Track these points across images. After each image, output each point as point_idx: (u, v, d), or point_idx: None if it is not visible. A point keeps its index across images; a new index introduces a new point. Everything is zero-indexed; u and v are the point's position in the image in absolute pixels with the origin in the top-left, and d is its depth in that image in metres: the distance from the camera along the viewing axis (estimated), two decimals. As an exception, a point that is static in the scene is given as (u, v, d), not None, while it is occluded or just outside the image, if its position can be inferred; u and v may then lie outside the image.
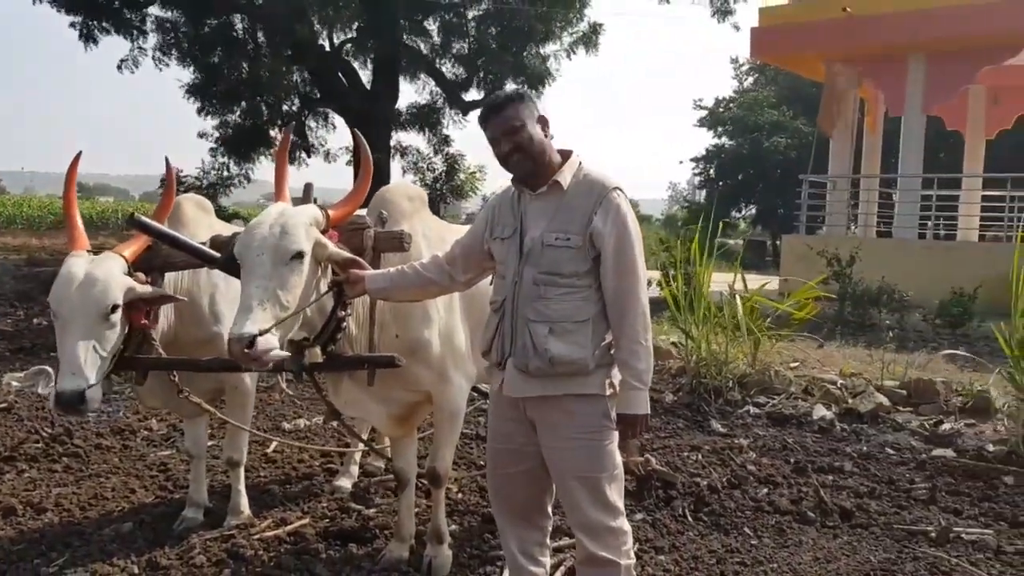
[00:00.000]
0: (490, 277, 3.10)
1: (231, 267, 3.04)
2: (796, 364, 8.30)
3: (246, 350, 2.67)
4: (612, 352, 2.80)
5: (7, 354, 8.19)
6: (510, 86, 18.88)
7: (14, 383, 6.78)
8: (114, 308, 3.26)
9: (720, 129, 36.24)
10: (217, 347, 3.78)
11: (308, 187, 3.45)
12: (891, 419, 6.66)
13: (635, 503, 4.62)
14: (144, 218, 3.41)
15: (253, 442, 5.04)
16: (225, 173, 20.23)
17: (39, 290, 12.64)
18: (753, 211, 37.98)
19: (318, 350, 3.17)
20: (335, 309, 3.14)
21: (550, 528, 3.10)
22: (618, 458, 2.85)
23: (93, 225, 42.01)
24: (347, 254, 3.10)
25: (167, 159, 3.88)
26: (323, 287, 3.05)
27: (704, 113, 36.82)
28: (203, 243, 3.45)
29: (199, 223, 4.00)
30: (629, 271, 2.75)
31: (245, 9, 18.14)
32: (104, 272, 3.29)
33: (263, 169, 20.89)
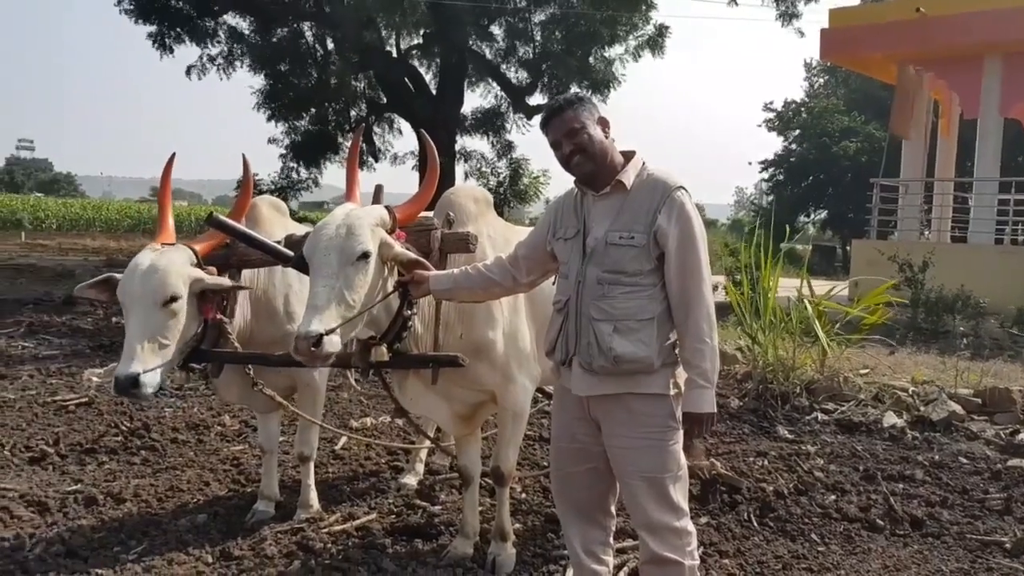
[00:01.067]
0: (554, 278, 3.13)
1: (304, 266, 3.12)
2: (866, 371, 8.13)
3: (312, 348, 2.76)
4: (677, 351, 2.80)
5: (87, 351, 8.49)
6: (574, 90, 18.91)
7: (94, 379, 7.04)
8: (173, 298, 3.34)
9: (789, 134, 35.74)
10: (291, 345, 3.88)
11: (378, 188, 3.52)
12: (965, 428, 6.49)
13: (699, 507, 4.59)
14: (222, 217, 3.53)
15: (322, 439, 5.14)
16: (295, 177, 20.68)
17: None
18: (823, 216, 37.37)
19: (384, 348, 3.25)
20: (401, 308, 3.20)
21: (613, 527, 3.11)
22: (683, 458, 2.85)
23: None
24: (412, 255, 3.15)
25: (244, 157, 3.98)
26: (389, 287, 3.12)
27: (772, 116, 36.35)
28: (278, 242, 3.55)
29: (274, 223, 4.11)
30: (693, 270, 2.75)
31: (314, 17, 18.50)
32: (166, 263, 3.39)
33: (331, 174, 21.30)
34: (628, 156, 2.89)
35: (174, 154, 3.97)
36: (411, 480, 4.89)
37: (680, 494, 2.83)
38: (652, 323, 2.75)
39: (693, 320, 2.73)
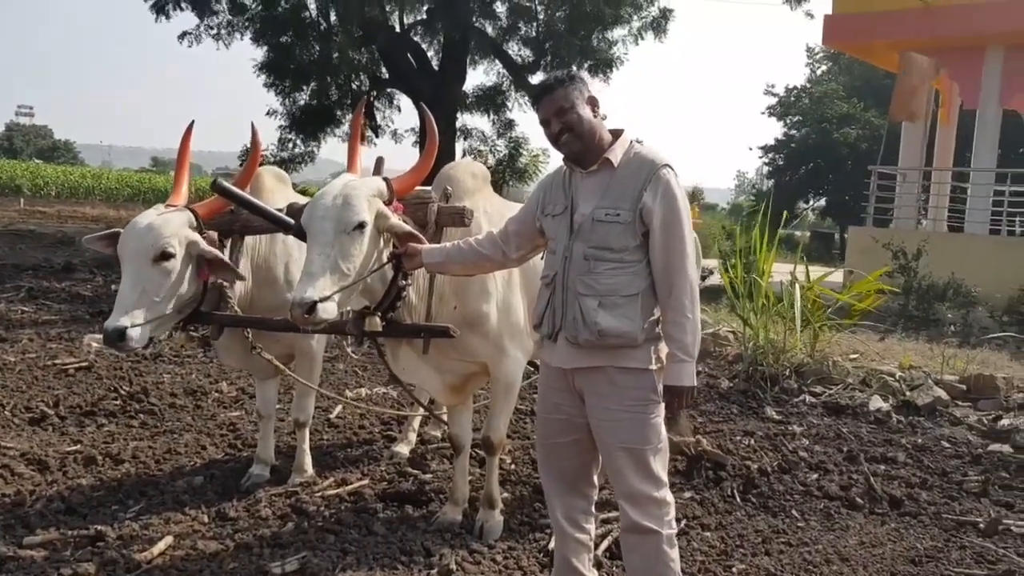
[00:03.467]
0: (542, 253, 3.21)
1: (304, 234, 3.21)
2: (856, 356, 8.25)
3: (306, 315, 2.86)
4: (659, 328, 2.88)
5: (87, 317, 8.59)
6: (575, 71, 18.90)
7: (94, 344, 7.13)
8: (165, 255, 3.43)
9: (789, 120, 35.70)
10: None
11: (379, 161, 3.61)
12: (949, 413, 6.61)
13: (684, 481, 4.71)
14: (226, 184, 3.61)
15: (317, 407, 5.25)
16: (293, 150, 20.65)
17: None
18: (822, 203, 37.41)
19: (377, 318, 3.35)
20: (395, 279, 3.30)
21: (595, 497, 3.18)
22: (663, 431, 2.92)
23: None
24: (407, 227, 3.24)
25: (253, 126, 4.05)
26: (384, 257, 3.21)
27: (774, 100, 36.31)
28: (280, 210, 3.63)
29: (276, 193, 4.19)
30: (677, 246, 2.81)
31: (318, -12, 18.43)
32: (163, 222, 3.48)
33: (329, 148, 21.27)
34: (616, 134, 2.95)
35: (193, 122, 4.08)
36: (403, 449, 5.00)
37: (660, 465, 2.90)
38: (637, 299, 2.82)
39: (676, 295, 2.80)
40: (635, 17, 19.02)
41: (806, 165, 34.44)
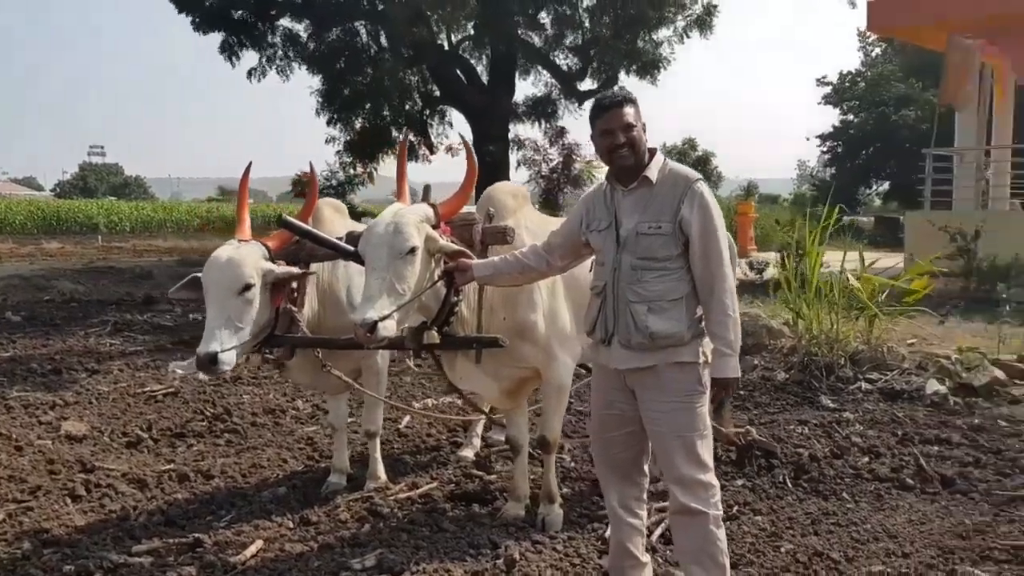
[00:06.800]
0: (588, 263, 3.50)
1: (360, 259, 3.55)
2: (913, 341, 8.29)
3: (368, 333, 3.20)
4: (702, 325, 3.15)
5: (169, 346, 9.10)
6: (624, 75, 19.07)
7: (178, 371, 7.62)
8: (247, 286, 3.80)
9: (846, 106, 35.24)
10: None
11: (427, 188, 3.93)
12: (1007, 392, 6.65)
13: (736, 471, 4.92)
14: (290, 219, 3.99)
15: (386, 419, 5.59)
16: (352, 172, 21.26)
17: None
18: (885, 187, 36.79)
19: (435, 332, 3.67)
20: (448, 295, 3.63)
21: (647, 485, 3.45)
22: (708, 420, 3.19)
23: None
24: (455, 246, 3.57)
25: (311, 164, 4.43)
26: (436, 276, 3.53)
27: (828, 90, 35.86)
28: (340, 239, 3.98)
29: (335, 222, 4.56)
30: (714, 252, 3.10)
31: (367, 15, 18.96)
32: (241, 256, 3.86)
33: (388, 167, 21.81)
34: (651, 153, 3.24)
35: (251, 163, 4.55)
36: (468, 453, 5.32)
37: (706, 451, 3.17)
38: (682, 302, 3.11)
39: (717, 297, 3.09)
40: (679, 16, 19.08)
41: (866, 150, 33.99)
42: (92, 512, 4.44)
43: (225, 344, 3.69)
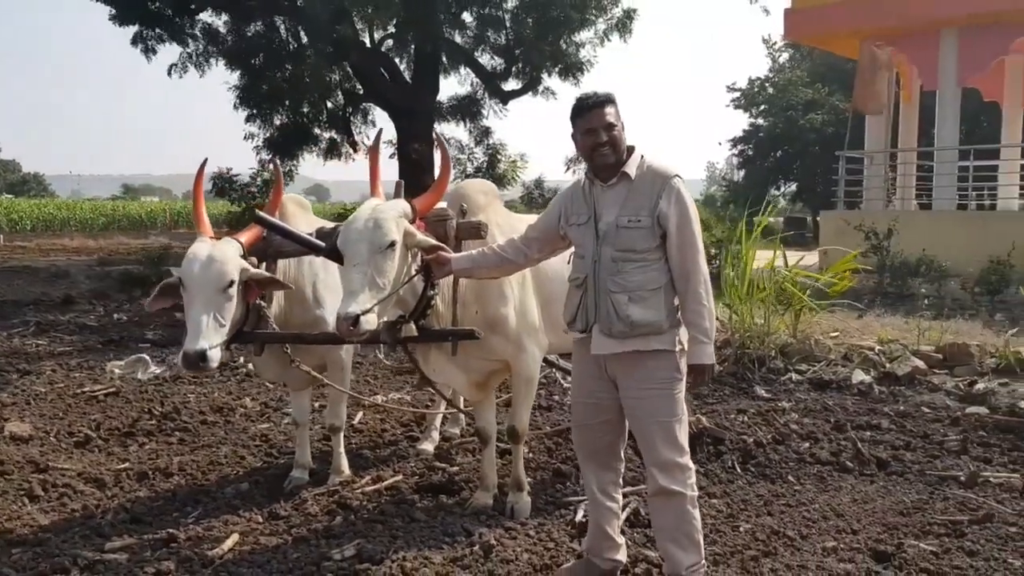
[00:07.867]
0: (559, 257, 3.63)
1: (334, 255, 3.61)
2: (836, 334, 8.71)
3: (351, 327, 3.26)
4: (679, 315, 3.31)
5: (99, 346, 8.88)
6: (547, 76, 19.34)
7: (116, 370, 7.46)
8: (231, 283, 3.83)
9: (755, 110, 36.30)
10: (319, 327, 4.42)
11: (399, 184, 4.00)
12: (927, 381, 7.08)
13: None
14: (264, 214, 4.00)
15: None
16: (271, 169, 20.90)
17: (115, 287, 13.45)
18: (793, 188, 38.04)
19: (412, 325, 3.75)
20: (425, 289, 3.72)
21: (623, 470, 3.62)
22: (684, 404, 3.37)
23: (143, 225, 43.26)
24: (432, 240, 3.65)
25: (276, 163, 4.44)
26: (413, 270, 3.61)
27: (738, 95, 36.88)
28: (309, 235, 4.01)
29: (299, 218, 4.57)
30: (690, 245, 3.26)
31: (287, 11, 18.72)
32: (222, 253, 3.87)
33: (308, 166, 21.53)
34: (630, 150, 3.38)
35: (206, 159, 4.54)
36: (428, 446, 5.38)
37: (683, 435, 3.34)
38: (660, 292, 3.26)
39: (693, 287, 3.25)
40: (600, 19, 19.42)
41: (774, 153, 35.04)
42: (54, 511, 4.36)
43: (212, 341, 3.70)
